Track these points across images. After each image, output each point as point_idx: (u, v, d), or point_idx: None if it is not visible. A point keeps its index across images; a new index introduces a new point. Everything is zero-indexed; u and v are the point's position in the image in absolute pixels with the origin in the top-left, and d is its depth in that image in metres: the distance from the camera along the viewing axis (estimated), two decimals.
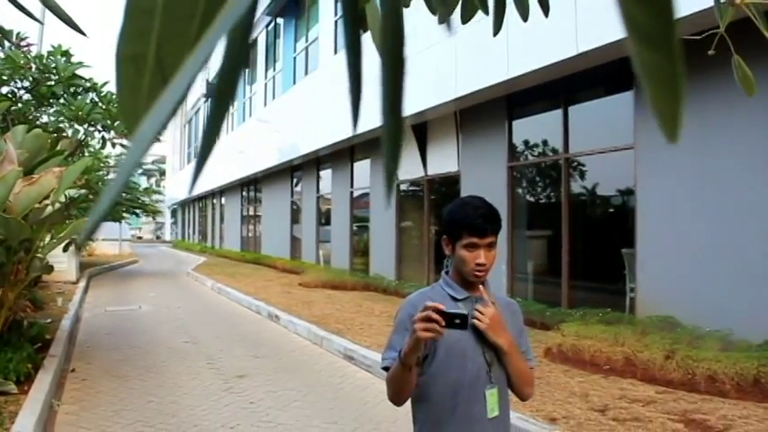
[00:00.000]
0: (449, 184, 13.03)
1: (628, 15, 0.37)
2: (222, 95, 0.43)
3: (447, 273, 2.24)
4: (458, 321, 1.90)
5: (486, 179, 11.41)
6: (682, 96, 0.38)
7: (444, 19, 1.23)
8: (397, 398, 2.12)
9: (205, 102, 40.12)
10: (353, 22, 0.50)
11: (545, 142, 10.60)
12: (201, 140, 0.43)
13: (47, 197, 6.30)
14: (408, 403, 2.17)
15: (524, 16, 1.28)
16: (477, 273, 2.11)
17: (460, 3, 1.19)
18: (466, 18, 1.26)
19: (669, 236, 7.81)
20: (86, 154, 10.09)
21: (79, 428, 5.30)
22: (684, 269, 7.58)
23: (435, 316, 1.86)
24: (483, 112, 11.44)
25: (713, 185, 7.32)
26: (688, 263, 7.54)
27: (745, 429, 4.62)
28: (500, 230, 2.17)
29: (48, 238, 7.28)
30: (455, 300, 2.15)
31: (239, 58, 0.42)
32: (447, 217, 2.18)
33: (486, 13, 1.15)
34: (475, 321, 2.05)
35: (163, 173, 62.71)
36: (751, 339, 6.30)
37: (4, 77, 8.27)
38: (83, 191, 7.42)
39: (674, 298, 7.58)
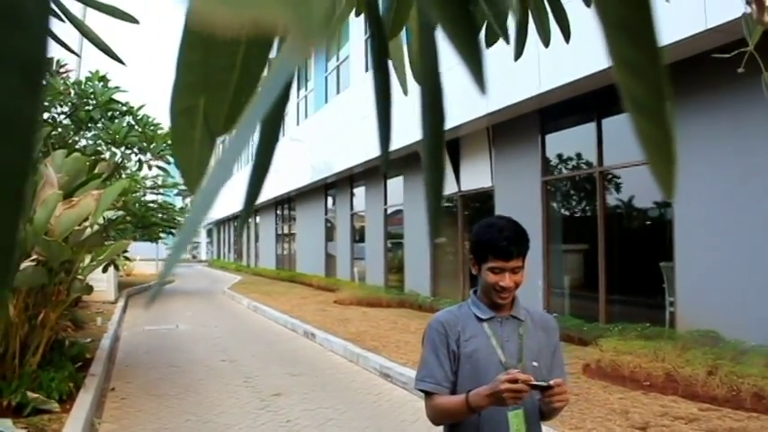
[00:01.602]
0: (483, 199, 12.98)
1: (627, 89, 0.42)
2: (268, 139, 0.45)
3: (475, 292, 2.22)
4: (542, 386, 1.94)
5: (520, 194, 11.34)
6: (675, 161, 0.42)
7: None
8: (443, 424, 2.17)
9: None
10: (382, 65, 0.53)
11: (579, 155, 10.50)
12: (248, 184, 0.45)
13: (86, 219, 6.43)
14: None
15: (546, 42, 1.28)
16: (502, 296, 2.10)
17: (484, 28, 1.19)
18: (489, 43, 1.26)
19: (709, 248, 7.65)
20: (123, 176, 10.26)
21: None
22: (726, 282, 7.41)
23: (524, 387, 1.88)
24: (515, 127, 11.39)
25: (752, 197, 7.17)
26: (729, 275, 7.38)
27: None
28: (527, 251, 2.14)
29: (87, 260, 7.40)
30: (480, 320, 2.14)
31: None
32: (473, 238, 2.17)
33: (507, 41, 1.15)
34: (557, 405, 2.00)
35: None
36: None
37: (45, 104, 8.48)
38: (120, 212, 7.55)
39: (715, 312, 7.41)
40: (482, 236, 2.11)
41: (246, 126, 0.38)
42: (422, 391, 2.19)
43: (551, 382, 1.93)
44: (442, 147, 0.48)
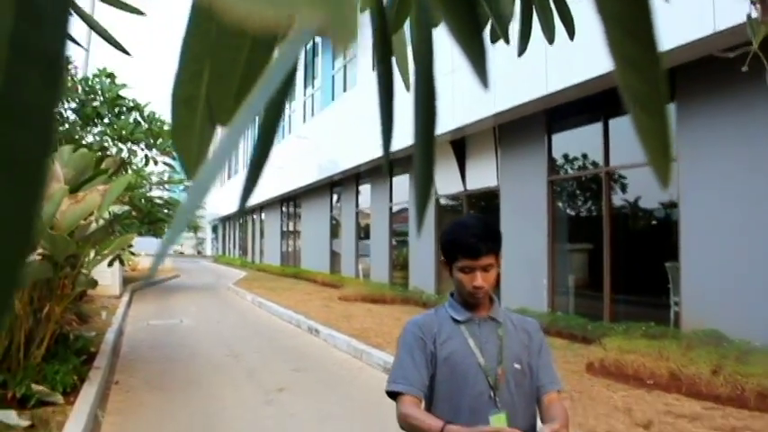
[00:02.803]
0: (488, 198, 12.98)
1: (625, 83, 0.44)
2: (268, 129, 0.46)
3: (452, 294, 2.17)
4: None
5: (525, 193, 11.34)
6: (670, 154, 0.45)
7: None
8: None
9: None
10: (385, 60, 0.54)
11: (585, 156, 10.49)
12: (247, 173, 0.46)
13: (91, 214, 6.45)
14: None
15: (550, 39, 1.28)
16: (476, 295, 2.04)
17: (488, 27, 1.20)
18: (493, 40, 1.27)
19: (714, 248, 7.64)
20: (129, 172, 10.30)
21: None
22: (731, 282, 7.40)
23: None
24: (522, 127, 11.38)
25: (758, 197, 7.15)
26: (734, 276, 7.37)
27: None
28: (500, 249, 2.07)
29: (92, 254, 7.44)
30: (457, 322, 2.08)
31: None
32: (442, 239, 2.11)
33: (507, 42, 1.16)
34: None
35: None
36: None
37: None
38: (126, 207, 7.57)
39: (720, 312, 7.40)
40: (450, 235, 2.06)
41: (246, 114, 0.39)
42: (392, 393, 2.06)
43: (546, 430, 1.85)
44: (432, 142, 0.50)
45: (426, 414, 1.98)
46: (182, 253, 64.66)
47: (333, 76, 22.06)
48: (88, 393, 6.29)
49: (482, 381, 2.01)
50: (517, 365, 2.07)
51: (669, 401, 5.80)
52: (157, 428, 5.69)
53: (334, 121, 20.40)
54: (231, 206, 42.36)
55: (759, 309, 6.99)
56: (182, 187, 38.42)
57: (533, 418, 2.13)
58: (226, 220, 51.16)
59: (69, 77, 8.47)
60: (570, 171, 10.87)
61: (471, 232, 2.01)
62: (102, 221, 6.58)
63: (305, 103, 25.58)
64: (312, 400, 6.74)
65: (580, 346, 8.43)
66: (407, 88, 0.85)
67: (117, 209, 6.98)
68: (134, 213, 8.22)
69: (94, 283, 7.56)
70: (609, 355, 7.02)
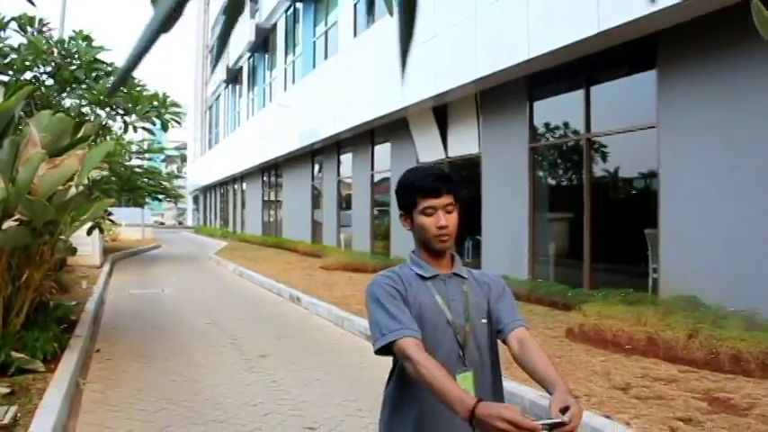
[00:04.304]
0: (470, 166, 12.98)
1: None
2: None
3: (414, 252, 2.08)
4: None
5: (507, 161, 11.35)
6: None
7: None
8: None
9: (225, 88, 40.28)
10: None
11: (566, 124, 10.49)
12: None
13: (70, 179, 6.37)
14: None
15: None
16: (442, 238, 1.96)
17: None
18: None
19: (693, 215, 7.71)
20: (108, 138, 10.15)
21: (105, 405, 5.38)
22: (708, 249, 7.49)
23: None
24: (504, 94, 11.34)
25: (738, 164, 7.21)
26: (712, 243, 7.45)
27: None
28: (457, 192, 1.99)
29: (71, 221, 7.36)
30: (423, 278, 2.00)
31: None
32: (398, 189, 2.03)
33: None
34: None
35: (184, 159, 63.17)
36: None
37: (27, 63, 8.34)
38: (105, 173, 7.48)
39: (697, 278, 7.50)
40: (406, 181, 1.99)
41: None
42: (386, 349, 1.85)
43: (564, 418, 1.63)
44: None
45: (449, 377, 1.73)
46: (162, 223, 64.25)
47: (314, 43, 21.83)
48: (69, 361, 6.26)
49: (451, 338, 1.95)
50: (483, 320, 2.02)
51: (647, 365, 5.88)
52: (139, 395, 5.69)
53: (315, 88, 20.23)
54: (212, 176, 42.09)
55: (735, 275, 7.09)
56: (162, 156, 38.16)
57: (499, 375, 2.09)
58: (207, 190, 50.85)
59: (44, 40, 8.29)
60: (551, 139, 10.88)
61: (427, 173, 1.98)
62: (81, 187, 6.50)
63: (285, 70, 25.31)
64: (294, 367, 6.77)
65: (560, 313, 8.52)
66: (390, 14, 0.83)
67: (96, 174, 6.88)
68: (113, 179, 8.10)
69: (73, 250, 7.50)
70: (588, 320, 7.10)
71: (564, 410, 1.65)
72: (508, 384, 2.14)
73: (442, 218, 1.94)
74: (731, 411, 4.55)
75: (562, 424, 1.62)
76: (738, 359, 5.55)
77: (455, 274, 2.04)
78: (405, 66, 0.51)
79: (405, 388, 1.96)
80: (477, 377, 1.96)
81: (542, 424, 1.60)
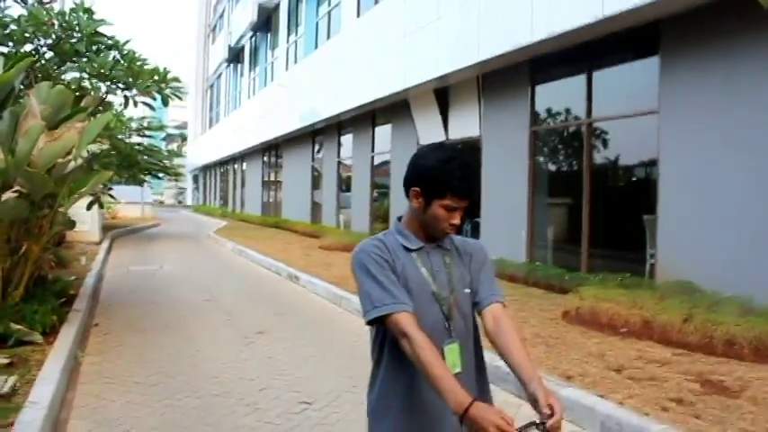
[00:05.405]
0: (470, 148, 12.95)
1: None
2: None
3: (400, 219, 2.08)
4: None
5: (507, 144, 11.34)
6: None
7: None
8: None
9: (226, 67, 40.08)
10: None
11: (568, 109, 10.46)
12: None
13: (69, 152, 6.37)
14: None
15: None
16: (448, 232, 1.99)
17: None
18: None
19: (691, 202, 7.72)
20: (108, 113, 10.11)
21: (102, 377, 5.41)
22: (706, 235, 7.51)
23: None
24: (506, 77, 11.31)
25: (737, 152, 7.21)
26: (710, 229, 7.47)
27: (762, 390, 4.60)
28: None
29: (69, 193, 7.37)
30: (408, 250, 1.99)
31: None
32: (428, 172, 1.94)
33: None
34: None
35: (185, 138, 63.07)
36: None
37: (27, 35, 8.30)
38: (105, 146, 7.47)
39: (694, 264, 7.52)
40: (442, 170, 1.91)
41: None
42: (378, 320, 1.87)
43: (551, 422, 1.68)
44: None
45: (444, 365, 1.76)
46: (162, 202, 64.26)
47: (317, 23, 21.71)
48: (67, 334, 6.30)
49: (436, 310, 1.95)
50: (467, 290, 2.04)
51: (641, 348, 5.92)
52: (136, 368, 5.73)
53: (317, 69, 20.15)
54: (212, 155, 42.02)
55: (731, 261, 7.11)
56: (162, 135, 38.05)
57: (480, 343, 2.10)
58: (207, 169, 50.79)
59: (45, 11, 8.24)
60: (552, 123, 10.86)
61: (465, 174, 1.92)
62: (80, 160, 6.49)
63: (287, 50, 25.19)
64: (290, 343, 6.80)
65: (557, 296, 8.55)
66: None
67: (96, 147, 6.88)
68: (113, 152, 8.09)
69: (72, 223, 7.51)
70: (584, 303, 7.13)
71: (546, 407, 1.71)
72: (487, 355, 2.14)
73: (457, 217, 1.95)
74: (723, 393, 4.58)
75: (543, 425, 1.68)
76: (732, 343, 5.58)
77: (439, 246, 2.05)
78: None
79: (394, 361, 1.96)
80: (462, 347, 1.98)
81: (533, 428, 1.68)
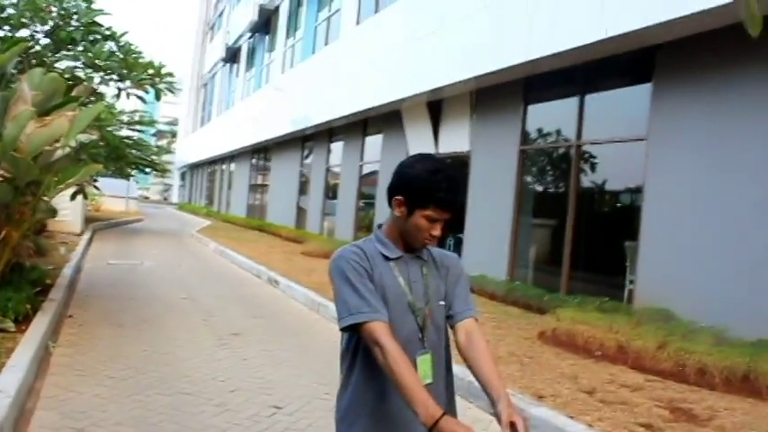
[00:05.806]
0: (459, 163, 13.00)
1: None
2: None
3: (380, 227, 2.07)
4: None
5: (496, 161, 11.39)
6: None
7: None
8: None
9: (222, 66, 40.03)
10: None
11: (558, 131, 10.52)
12: None
13: (57, 140, 6.32)
14: None
15: None
16: (428, 243, 1.99)
17: None
18: None
19: (673, 231, 7.79)
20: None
21: (73, 369, 5.37)
22: (685, 265, 7.57)
23: None
24: (499, 95, 11.37)
25: (721, 184, 7.29)
26: (689, 259, 7.53)
27: (730, 420, 4.65)
28: None
29: (56, 183, 7.32)
30: (387, 259, 1.99)
31: None
32: (413, 181, 1.92)
33: None
34: None
35: (175, 135, 62.82)
36: (745, 337, 6.30)
37: (24, 20, 8.26)
38: (94, 137, 7.43)
39: (672, 292, 7.58)
40: (428, 181, 1.89)
41: None
42: (352, 327, 1.87)
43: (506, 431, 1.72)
44: None
45: (416, 377, 1.77)
46: (147, 198, 63.89)
47: (315, 28, 21.77)
48: (40, 323, 6.23)
49: (411, 320, 1.95)
50: (441, 302, 2.04)
51: (614, 372, 5.95)
52: (108, 362, 5.68)
53: (312, 73, 20.17)
54: (200, 154, 41.88)
55: (708, 292, 7.18)
56: (153, 130, 37.84)
57: (450, 353, 2.11)
58: (195, 167, 50.59)
59: None
60: (542, 143, 10.92)
61: (451, 186, 1.91)
62: (68, 149, 6.45)
63: (284, 53, 25.21)
64: (266, 346, 6.78)
65: (534, 316, 8.58)
66: None
67: (85, 138, 6.84)
68: (101, 144, 8.05)
69: (54, 212, 7.45)
70: (561, 325, 7.16)
71: (511, 425, 1.72)
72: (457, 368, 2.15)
73: (438, 228, 1.95)
74: (692, 421, 4.62)
75: None
76: (704, 372, 5.63)
77: (417, 256, 2.05)
78: None
79: (366, 370, 1.95)
80: (434, 358, 1.99)
81: None
